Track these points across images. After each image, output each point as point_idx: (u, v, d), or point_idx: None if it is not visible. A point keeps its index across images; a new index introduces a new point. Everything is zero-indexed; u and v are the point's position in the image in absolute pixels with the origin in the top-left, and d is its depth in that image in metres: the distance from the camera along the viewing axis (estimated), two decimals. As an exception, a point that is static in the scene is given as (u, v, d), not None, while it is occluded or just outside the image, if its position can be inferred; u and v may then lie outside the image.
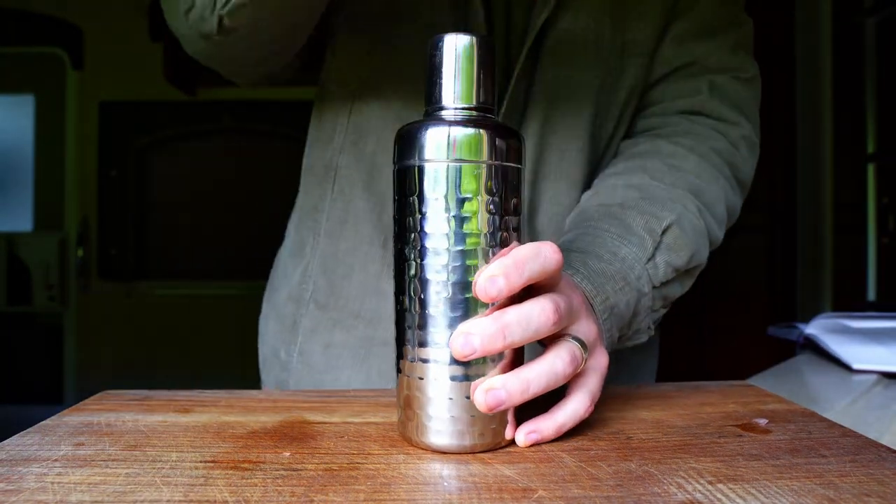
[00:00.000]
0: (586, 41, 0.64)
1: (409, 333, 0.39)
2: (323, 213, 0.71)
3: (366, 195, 0.68)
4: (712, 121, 0.67)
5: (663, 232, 0.57)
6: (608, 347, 0.50)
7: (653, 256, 0.56)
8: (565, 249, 0.54)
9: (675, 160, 0.64)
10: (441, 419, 0.38)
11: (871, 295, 2.26)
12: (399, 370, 0.40)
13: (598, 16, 0.65)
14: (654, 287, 0.55)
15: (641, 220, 0.57)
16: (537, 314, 0.38)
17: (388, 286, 0.67)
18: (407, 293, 0.39)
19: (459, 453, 0.39)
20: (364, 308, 0.69)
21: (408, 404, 0.39)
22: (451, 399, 0.38)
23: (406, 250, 0.39)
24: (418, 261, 0.38)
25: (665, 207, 0.58)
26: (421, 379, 0.39)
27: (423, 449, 0.39)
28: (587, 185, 0.67)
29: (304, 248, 0.73)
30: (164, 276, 3.42)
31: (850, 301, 2.22)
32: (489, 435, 0.39)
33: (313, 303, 0.71)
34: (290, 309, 0.73)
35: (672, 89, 0.69)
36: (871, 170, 2.31)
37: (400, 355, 0.40)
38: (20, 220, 3.38)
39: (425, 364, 0.38)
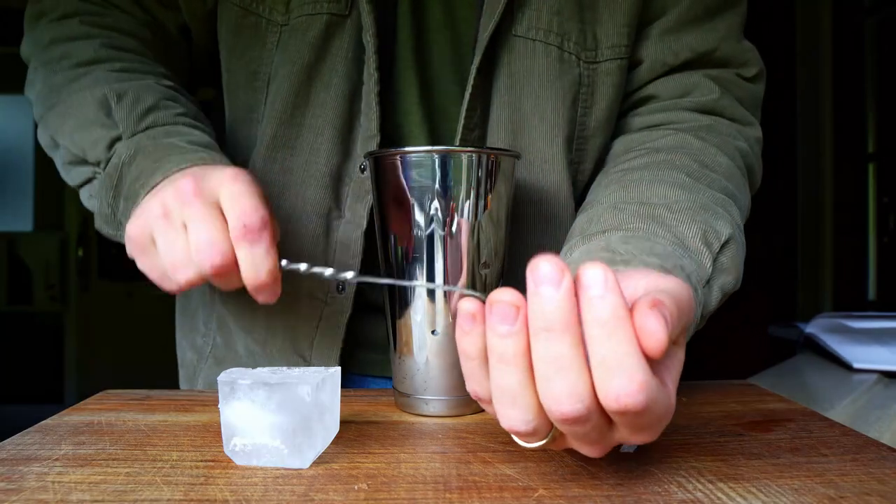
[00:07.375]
0: (548, 50, 0.56)
1: None
2: None
3: None
4: (727, 120, 0.59)
5: (721, 248, 0.46)
6: None
7: (710, 280, 0.45)
8: (612, 254, 0.42)
9: (706, 158, 0.54)
10: None
11: (871, 295, 2.26)
12: None
13: (559, 19, 0.56)
14: (701, 317, 0.44)
15: (696, 230, 0.45)
16: None
17: None
18: None
19: None
20: None
21: None
22: None
23: None
24: None
25: (718, 216, 0.47)
26: None
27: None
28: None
29: None
30: (164, 276, 3.41)
31: (850, 301, 2.22)
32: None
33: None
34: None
35: (674, 85, 0.60)
36: (871, 170, 2.31)
37: None
38: (20, 220, 3.38)
39: None
